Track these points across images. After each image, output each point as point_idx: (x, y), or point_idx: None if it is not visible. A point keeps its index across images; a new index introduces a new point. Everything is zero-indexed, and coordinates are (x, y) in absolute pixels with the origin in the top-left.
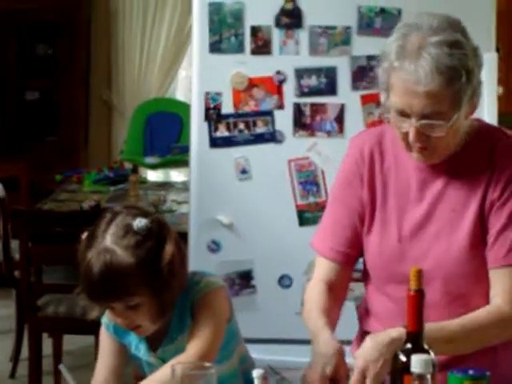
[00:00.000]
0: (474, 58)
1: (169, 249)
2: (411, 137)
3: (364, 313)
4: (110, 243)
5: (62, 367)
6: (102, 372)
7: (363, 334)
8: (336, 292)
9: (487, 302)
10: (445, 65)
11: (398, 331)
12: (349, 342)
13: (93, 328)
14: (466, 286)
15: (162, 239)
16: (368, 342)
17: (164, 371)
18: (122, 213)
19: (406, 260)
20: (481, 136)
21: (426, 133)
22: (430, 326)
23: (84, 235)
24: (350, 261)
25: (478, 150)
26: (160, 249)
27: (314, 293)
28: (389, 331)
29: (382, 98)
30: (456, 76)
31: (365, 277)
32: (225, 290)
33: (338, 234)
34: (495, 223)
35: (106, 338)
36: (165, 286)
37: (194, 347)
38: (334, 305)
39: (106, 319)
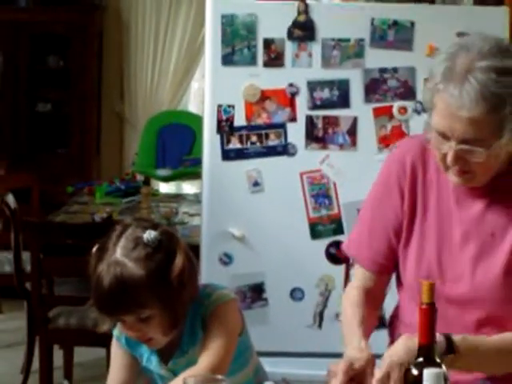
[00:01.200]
0: None
1: (179, 260)
2: (449, 160)
3: (396, 321)
4: (120, 256)
5: (65, 383)
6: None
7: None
8: (374, 296)
9: None
10: (490, 92)
11: None
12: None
13: (104, 340)
14: (500, 310)
15: (171, 251)
16: (400, 343)
17: None
18: (132, 225)
19: (443, 280)
20: None
21: (464, 157)
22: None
23: (95, 248)
24: (386, 271)
25: None
26: (170, 260)
27: (352, 299)
28: None
29: (427, 118)
30: (500, 104)
31: (398, 285)
32: (236, 303)
33: (375, 245)
34: None
35: (117, 351)
36: (175, 297)
37: (205, 360)
38: (371, 309)
39: (118, 331)
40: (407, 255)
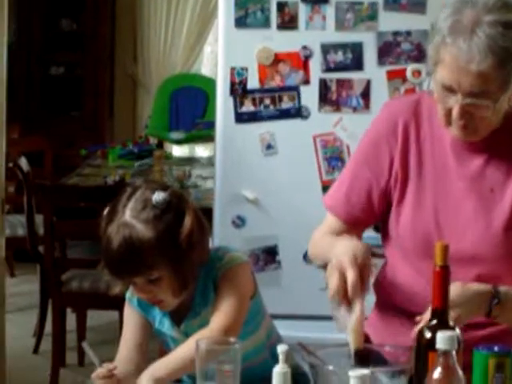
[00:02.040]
0: None
1: (188, 222)
2: (455, 114)
3: (384, 281)
4: (129, 217)
5: (84, 344)
6: (126, 348)
7: (383, 303)
8: None
9: None
10: (499, 45)
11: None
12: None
13: (117, 303)
14: (500, 267)
15: (180, 212)
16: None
17: (187, 346)
18: (142, 187)
19: (441, 237)
20: None
21: (470, 111)
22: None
23: (105, 210)
24: (361, 225)
25: None
26: (179, 222)
27: (321, 240)
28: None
29: (428, 71)
30: (508, 57)
31: (386, 244)
32: (248, 265)
33: (353, 198)
34: None
35: (130, 313)
36: (184, 258)
37: (217, 321)
38: None
39: (130, 294)
40: (401, 212)
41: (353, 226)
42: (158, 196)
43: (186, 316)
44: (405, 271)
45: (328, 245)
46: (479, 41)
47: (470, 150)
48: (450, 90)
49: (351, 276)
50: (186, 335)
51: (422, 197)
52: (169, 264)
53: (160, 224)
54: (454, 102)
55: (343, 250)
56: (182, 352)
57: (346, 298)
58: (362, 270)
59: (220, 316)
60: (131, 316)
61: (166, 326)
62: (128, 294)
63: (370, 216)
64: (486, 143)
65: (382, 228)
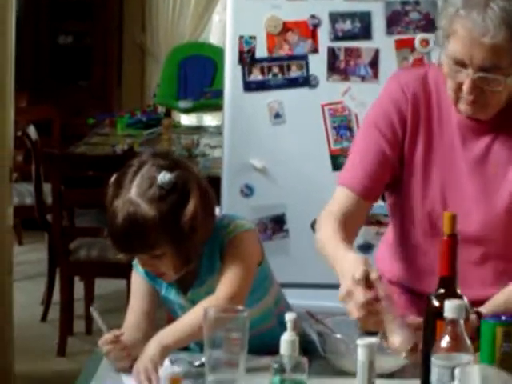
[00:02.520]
0: None
1: (192, 205)
2: (466, 88)
3: (386, 254)
4: (135, 195)
5: (92, 309)
6: (133, 315)
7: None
8: (351, 226)
9: None
10: None
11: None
12: None
13: (124, 271)
14: (504, 248)
15: (185, 194)
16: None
17: (194, 314)
18: (149, 162)
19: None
20: None
21: (481, 86)
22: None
23: (111, 181)
24: (373, 196)
25: None
26: (183, 204)
27: (330, 227)
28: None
29: (438, 44)
30: None
31: (391, 215)
32: (254, 232)
33: (367, 168)
34: None
35: (137, 281)
36: (186, 239)
37: (223, 289)
38: (350, 235)
39: (136, 262)
40: (410, 184)
41: (366, 198)
42: (164, 177)
43: (192, 284)
44: (407, 246)
45: (334, 251)
46: (493, 13)
47: (475, 132)
48: (461, 64)
49: (357, 299)
50: (193, 303)
51: (430, 172)
52: (171, 243)
53: (164, 204)
54: (464, 77)
55: (348, 268)
56: (190, 319)
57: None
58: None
59: (226, 284)
60: (138, 283)
61: (172, 293)
62: (135, 262)
63: (382, 185)
64: (490, 125)
65: (389, 198)
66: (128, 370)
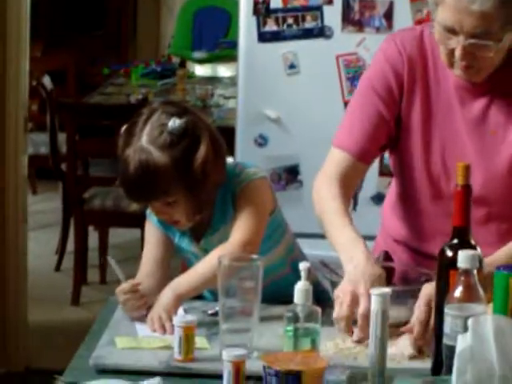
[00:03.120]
0: None
1: (202, 150)
2: (457, 55)
3: (391, 212)
4: (146, 143)
5: (110, 259)
6: (147, 263)
7: (388, 234)
8: (347, 189)
9: None
10: None
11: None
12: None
13: (139, 221)
14: (507, 207)
15: (196, 139)
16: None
17: (208, 262)
18: (159, 110)
19: (448, 177)
20: None
21: (473, 51)
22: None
23: (122, 130)
24: (369, 158)
25: None
26: (194, 149)
27: (330, 192)
28: None
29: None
30: None
31: (394, 173)
32: (266, 180)
33: (365, 126)
34: None
35: (150, 229)
36: (199, 185)
37: (236, 236)
38: (347, 204)
39: (150, 211)
40: (410, 148)
41: (363, 160)
42: (174, 123)
43: (205, 232)
44: (410, 207)
45: (337, 230)
46: None
47: (473, 92)
48: (451, 31)
49: (364, 307)
50: (206, 251)
51: (430, 134)
52: (184, 189)
53: (175, 150)
54: (456, 44)
55: (360, 274)
56: (203, 267)
57: (351, 328)
58: None
59: (239, 231)
60: (152, 232)
61: (185, 242)
62: (149, 211)
63: (378, 147)
64: (488, 85)
65: (391, 157)
66: (142, 318)
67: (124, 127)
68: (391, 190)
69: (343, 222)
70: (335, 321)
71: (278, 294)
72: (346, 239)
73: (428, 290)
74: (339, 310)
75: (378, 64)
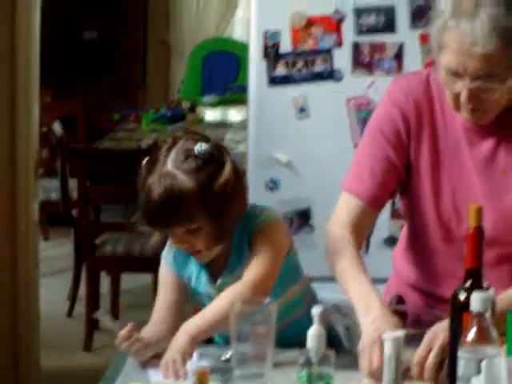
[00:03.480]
0: None
1: (228, 174)
2: (463, 98)
3: (403, 257)
4: (171, 168)
5: (98, 313)
6: (161, 309)
7: (399, 278)
8: (359, 235)
9: None
10: (502, 26)
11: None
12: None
13: (150, 266)
14: None
15: (221, 164)
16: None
17: (219, 301)
18: (183, 138)
19: (459, 219)
20: None
21: (479, 94)
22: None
23: (144, 161)
24: (380, 204)
25: None
26: (219, 174)
27: (345, 240)
28: None
29: (433, 57)
30: None
31: (405, 219)
32: (283, 223)
33: (375, 172)
34: None
35: (165, 273)
36: (223, 211)
37: (248, 276)
38: (359, 251)
39: (166, 253)
40: (420, 193)
41: (374, 206)
42: (201, 147)
43: (221, 273)
44: (422, 251)
45: (351, 279)
46: (482, 22)
47: (481, 133)
48: (456, 74)
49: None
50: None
51: (439, 177)
52: (208, 214)
53: (201, 175)
54: (461, 87)
55: (381, 325)
56: (216, 308)
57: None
58: None
59: (252, 271)
60: (167, 276)
61: (202, 282)
62: (164, 253)
63: (389, 193)
64: (496, 126)
65: (401, 201)
66: (153, 363)
67: (145, 159)
68: (403, 234)
69: (357, 270)
70: (369, 373)
71: (291, 337)
72: (361, 289)
73: (431, 331)
74: (370, 362)
75: (385, 108)
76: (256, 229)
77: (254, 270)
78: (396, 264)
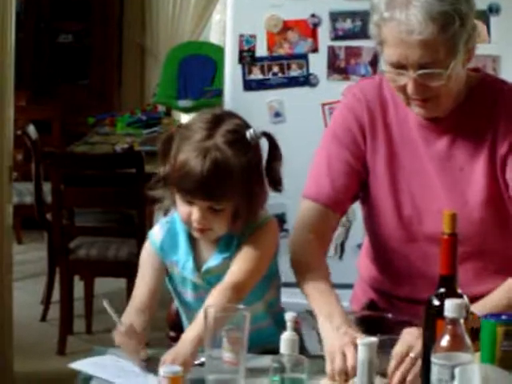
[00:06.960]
0: (466, 1)
1: (263, 164)
2: (410, 89)
3: (367, 260)
4: (222, 144)
5: (105, 302)
6: (142, 295)
7: (365, 282)
8: (323, 241)
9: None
10: (436, 11)
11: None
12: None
13: (124, 271)
14: (482, 245)
15: (259, 153)
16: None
17: (196, 327)
18: (225, 118)
19: (420, 219)
20: (483, 88)
21: (425, 83)
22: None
23: (178, 127)
24: (343, 209)
25: (481, 103)
26: (259, 161)
27: (307, 246)
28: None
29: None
30: (449, 21)
31: (366, 224)
32: (275, 223)
33: (336, 181)
34: None
35: (149, 258)
36: (256, 196)
37: (230, 277)
38: (324, 257)
39: (153, 236)
40: (378, 195)
41: (333, 208)
42: (253, 132)
43: (206, 261)
44: (384, 253)
45: (325, 302)
46: (416, 10)
47: (436, 131)
48: (399, 66)
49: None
50: (208, 282)
51: (397, 177)
52: (240, 198)
53: (246, 159)
54: (406, 79)
55: (349, 333)
56: (196, 326)
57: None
58: None
59: (235, 272)
60: (150, 260)
61: (188, 269)
62: (152, 237)
63: (350, 196)
64: (449, 122)
65: (362, 211)
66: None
67: (178, 125)
68: (365, 242)
69: (320, 279)
70: (331, 374)
71: (261, 341)
72: (324, 301)
73: (404, 339)
74: (332, 364)
75: (339, 113)
76: (250, 230)
77: (237, 272)
78: (360, 270)
